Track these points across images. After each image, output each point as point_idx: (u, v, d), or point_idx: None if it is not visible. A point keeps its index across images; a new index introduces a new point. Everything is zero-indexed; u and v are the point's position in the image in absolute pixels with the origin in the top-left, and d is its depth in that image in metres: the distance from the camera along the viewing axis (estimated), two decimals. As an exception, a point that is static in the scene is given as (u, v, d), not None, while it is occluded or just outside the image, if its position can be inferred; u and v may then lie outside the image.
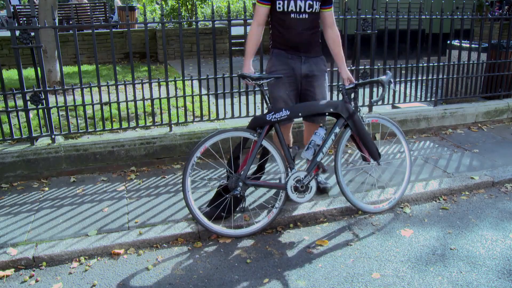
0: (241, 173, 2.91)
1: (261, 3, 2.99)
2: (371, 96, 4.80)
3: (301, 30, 3.01)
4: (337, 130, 3.04)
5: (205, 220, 2.91)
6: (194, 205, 2.92)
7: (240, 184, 2.88)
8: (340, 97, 3.34)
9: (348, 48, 4.54)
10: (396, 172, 3.84)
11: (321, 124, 3.09)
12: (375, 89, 5.02)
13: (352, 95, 3.11)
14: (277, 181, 3.12)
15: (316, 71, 3.12)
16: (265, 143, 2.93)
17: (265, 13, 3.02)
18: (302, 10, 2.96)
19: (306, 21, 3.00)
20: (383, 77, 3.08)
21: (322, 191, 3.40)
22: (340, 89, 3.07)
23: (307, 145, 3.02)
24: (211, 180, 3.74)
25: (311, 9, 2.98)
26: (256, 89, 3.10)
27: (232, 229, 2.96)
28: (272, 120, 2.90)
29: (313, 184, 2.98)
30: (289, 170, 2.97)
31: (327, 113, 3.05)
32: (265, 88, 3.03)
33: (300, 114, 2.95)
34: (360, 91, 4.85)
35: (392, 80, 3.09)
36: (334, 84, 4.56)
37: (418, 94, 5.22)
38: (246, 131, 2.96)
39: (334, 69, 4.53)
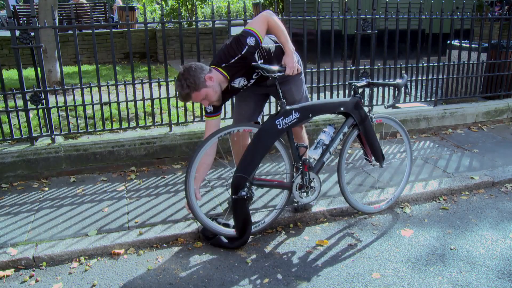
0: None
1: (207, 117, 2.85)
2: (371, 96, 4.78)
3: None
4: (346, 129, 2.98)
5: (207, 220, 2.84)
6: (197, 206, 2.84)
7: (247, 184, 2.73)
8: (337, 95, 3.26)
9: (348, 48, 4.54)
10: (395, 172, 3.84)
11: (329, 123, 2.99)
12: (375, 89, 5.02)
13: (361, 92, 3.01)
14: (283, 179, 3.05)
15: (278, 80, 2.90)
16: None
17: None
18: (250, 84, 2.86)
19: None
20: (399, 81, 3.02)
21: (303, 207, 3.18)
22: (353, 87, 2.98)
23: (315, 143, 2.95)
24: (211, 181, 3.74)
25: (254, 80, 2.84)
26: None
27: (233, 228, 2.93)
28: (284, 128, 2.77)
29: (317, 184, 2.94)
30: (294, 170, 2.90)
31: (337, 112, 2.96)
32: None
33: (310, 115, 2.86)
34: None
35: (408, 85, 3.02)
36: (334, 84, 4.57)
37: (418, 94, 5.22)
38: (256, 126, 2.83)
39: (334, 68, 4.54)
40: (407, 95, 4.84)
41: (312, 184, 2.93)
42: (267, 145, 2.76)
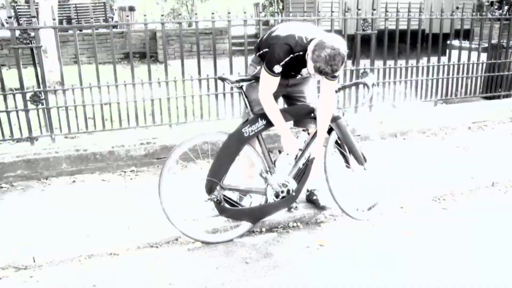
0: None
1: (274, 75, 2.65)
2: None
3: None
4: None
5: (179, 223, 2.86)
6: (169, 207, 2.84)
7: (217, 188, 2.79)
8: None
9: (348, 48, 4.53)
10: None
11: (303, 129, 2.96)
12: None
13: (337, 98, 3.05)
14: (259, 185, 3.02)
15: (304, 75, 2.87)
16: (245, 147, 2.86)
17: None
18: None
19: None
20: (367, 78, 3.07)
21: (321, 208, 3.19)
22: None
23: None
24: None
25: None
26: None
27: (209, 234, 2.91)
28: (250, 135, 2.79)
29: (294, 188, 2.90)
30: (269, 175, 2.87)
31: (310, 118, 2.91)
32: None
33: None
34: (359, 92, 4.86)
35: (375, 83, 3.10)
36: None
37: (418, 94, 5.22)
38: (226, 134, 2.85)
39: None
40: (377, 94, 4.81)
41: (288, 189, 2.89)
42: (235, 152, 2.83)
